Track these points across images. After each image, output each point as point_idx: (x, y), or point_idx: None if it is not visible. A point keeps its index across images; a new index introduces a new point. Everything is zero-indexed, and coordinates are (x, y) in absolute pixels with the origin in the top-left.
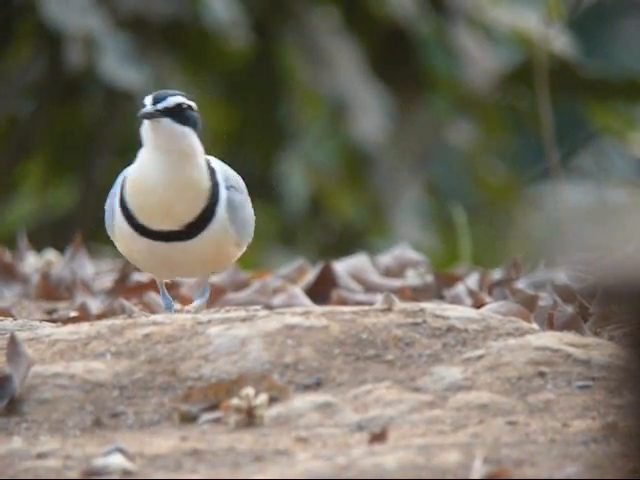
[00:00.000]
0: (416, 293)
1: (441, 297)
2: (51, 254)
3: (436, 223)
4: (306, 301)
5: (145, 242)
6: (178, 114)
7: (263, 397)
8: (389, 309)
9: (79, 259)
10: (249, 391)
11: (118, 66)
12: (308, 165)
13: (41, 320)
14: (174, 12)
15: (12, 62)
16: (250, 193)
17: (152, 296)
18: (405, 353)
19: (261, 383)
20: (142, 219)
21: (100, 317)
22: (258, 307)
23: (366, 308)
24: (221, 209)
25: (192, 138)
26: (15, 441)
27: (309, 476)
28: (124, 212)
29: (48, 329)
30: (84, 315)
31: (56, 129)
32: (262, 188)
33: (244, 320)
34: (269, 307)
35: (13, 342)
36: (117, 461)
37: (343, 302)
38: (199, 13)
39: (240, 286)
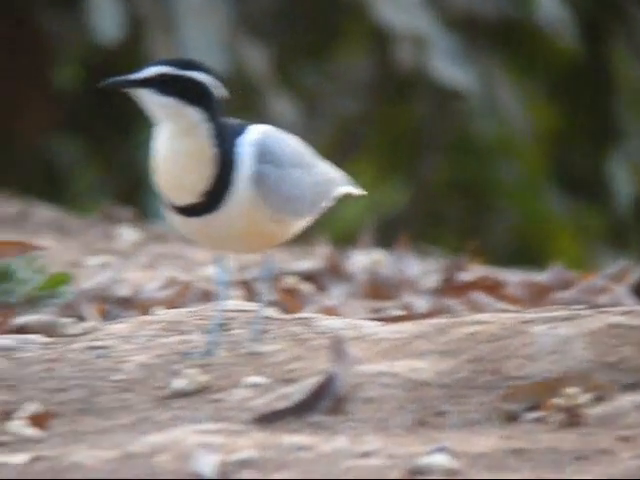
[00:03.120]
0: None
1: None
2: (378, 253)
3: None
4: (631, 301)
5: (181, 219)
6: (161, 84)
7: (586, 396)
8: None
9: (406, 258)
10: (572, 390)
11: (447, 66)
12: (636, 165)
13: (366, 319)
14: (503, 11)
15: (343, 62)
16: (577, 192)
17: (478, 295)
18: None
19: (584, 382)
20: (168, 196)
21: (425, 316)
22: (582, 306)
23: None
24: (242, 179)
25: (179, 108)
26: (340, 440)
27: (632, 475)
28: (159, 192)
29: (373, 328)
30: (410, 314)
31: (387, 128)
32: (590, 187)
33: (567, 319)
34: (594, 306)
35: (338, 341)
36: (441, 460)
37: None
38: (529, 13)
39: (566, 285)
